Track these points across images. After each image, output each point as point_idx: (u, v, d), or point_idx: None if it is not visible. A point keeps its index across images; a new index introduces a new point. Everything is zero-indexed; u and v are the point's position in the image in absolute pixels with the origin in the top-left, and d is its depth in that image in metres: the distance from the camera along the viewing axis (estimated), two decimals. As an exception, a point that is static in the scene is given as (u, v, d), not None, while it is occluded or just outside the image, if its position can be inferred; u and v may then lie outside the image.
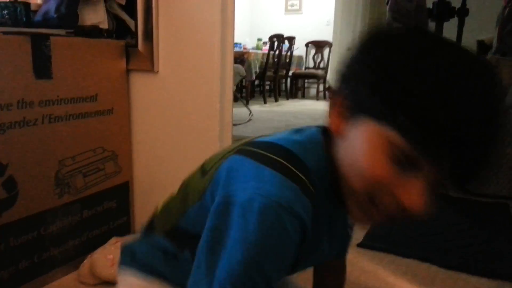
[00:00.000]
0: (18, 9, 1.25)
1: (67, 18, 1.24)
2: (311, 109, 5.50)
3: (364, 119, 0.47)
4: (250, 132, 3.61)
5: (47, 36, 1.12)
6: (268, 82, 6.41)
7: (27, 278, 1.15)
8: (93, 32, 1.28)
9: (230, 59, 1.32)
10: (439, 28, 2.73)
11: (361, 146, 0.47)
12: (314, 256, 0.61)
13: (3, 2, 1.28)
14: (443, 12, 2.77)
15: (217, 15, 1.26)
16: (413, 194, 0.44)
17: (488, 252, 1.49)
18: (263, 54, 5.84)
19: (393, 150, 0.44)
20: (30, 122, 1.10)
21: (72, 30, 1.23)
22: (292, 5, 7.53)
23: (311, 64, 7.15)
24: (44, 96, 1.13)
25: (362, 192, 0.48)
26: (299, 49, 7.11)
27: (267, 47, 5.90)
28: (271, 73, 6.01)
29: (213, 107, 1.31)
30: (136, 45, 1.36)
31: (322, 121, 0.56)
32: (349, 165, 0.49)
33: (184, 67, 1.34)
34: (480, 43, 2.88)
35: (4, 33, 1.04)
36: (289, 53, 6.46)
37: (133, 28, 1.40)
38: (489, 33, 3.00)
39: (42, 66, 1.11)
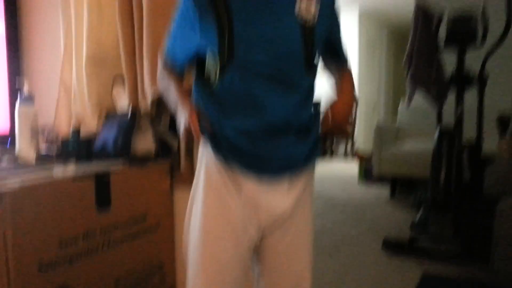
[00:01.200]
0: (82, 145, 1.47)
1: (123, 149, 1.45)
2: (340, 173, 5.58)
3: None
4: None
5: (107, 175, 1.32)
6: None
7: None
8: (145, 159, 1.48)
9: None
10: (460, 96, 2.83)
11: None
12: (260, 32, 0.85)
13: (68, 138, 1.52)
14: (462, 81, 2.88)
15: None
16: None
17: None
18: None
19: None
20: (93, 251, 1.28)
21: (127, 160, 1.43)
22: (316, 68, 7.82)
23: (338, 123, 7.30)
24: (104, 224, 1.32)
25: None
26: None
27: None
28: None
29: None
30: (178, 164, 1.56)
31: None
32: None
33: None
34: (500, 119, 2.97)
35: (73, 179, 1.25)
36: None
37: (174, 148, 1.60)
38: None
39: (103, 200, 1.31)
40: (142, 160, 1.48)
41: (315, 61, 0.94)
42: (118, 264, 1.37)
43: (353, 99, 0.99)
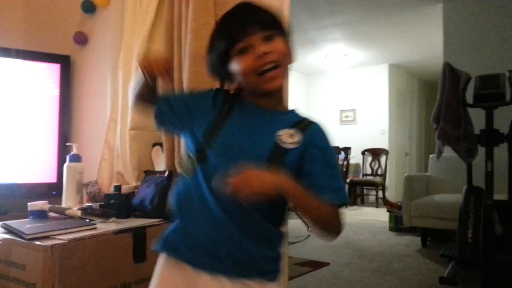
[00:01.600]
0: (122, 199, 1.62)
1: (159, 206, 1.58)
2: (371, 221, 5.55)
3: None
4: (307, 252, 3.74)
5: (144, 230, 1.45)
6: (326, 192, 6.62)
7: None
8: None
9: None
10: (489, 153, 2.84)
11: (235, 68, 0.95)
12: (224, 134, 0.94)
13: (111, 193, 1.67)
14: (491, 139, 2.89)
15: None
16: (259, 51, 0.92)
17: None
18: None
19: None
20: (129, 300, 1.39)
21: (163, 217, 1.57)
22: (346, 117, 7.95)
23: (369, 171, 7.32)
24: (139, 276, 1.43)
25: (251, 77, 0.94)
26: (355, 158, 7.37)
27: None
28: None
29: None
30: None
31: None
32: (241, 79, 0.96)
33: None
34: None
35: (115, 233, 1.38)
36: (345, 163, 6.73)
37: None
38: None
39: (139, 253, 1.43)
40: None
41: None
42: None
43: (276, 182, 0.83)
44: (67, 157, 1.83)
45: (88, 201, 1.91)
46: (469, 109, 2.91)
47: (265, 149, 0.92)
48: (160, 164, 1.80)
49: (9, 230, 1.39)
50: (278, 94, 1.00)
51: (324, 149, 0.96)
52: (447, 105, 2.84)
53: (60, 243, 1.23)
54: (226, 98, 1.02)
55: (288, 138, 0.93)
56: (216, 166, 0.90)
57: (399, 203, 4.72)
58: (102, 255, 1.33)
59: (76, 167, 1.83)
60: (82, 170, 1.85)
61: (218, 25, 1.02)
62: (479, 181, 2.81)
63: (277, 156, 0.91)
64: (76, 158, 1.84)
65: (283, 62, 0.94)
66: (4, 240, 1.33)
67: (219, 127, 0.96)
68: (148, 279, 1.45)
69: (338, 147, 6.49)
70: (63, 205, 1.79)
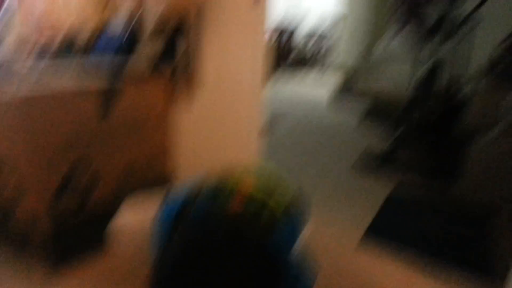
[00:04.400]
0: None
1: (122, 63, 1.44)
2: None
3: None
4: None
5: (113, 90, 1.33)
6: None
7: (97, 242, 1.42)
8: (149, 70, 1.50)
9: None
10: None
11: None
12: None
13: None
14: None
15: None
16: None
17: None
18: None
19: None
20: (100, 145, 1.34)
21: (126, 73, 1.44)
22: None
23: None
24: (107, 128, 1.36)
25: None
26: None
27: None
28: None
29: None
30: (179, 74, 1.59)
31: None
32: None
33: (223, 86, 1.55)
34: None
35: (76, 94, 1.26)
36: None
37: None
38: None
39: (106, 112, 1.34)
40: (143, 74, 1.51)
41: None
42: (125, 152, 1.47)
43: None
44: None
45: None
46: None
47: None
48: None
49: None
50: None
51: None
52: None
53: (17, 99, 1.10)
54: None
55: None
56: None
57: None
58: (65, 114, 1.22)
59: None
60: None
61: None
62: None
63: None
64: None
65: None
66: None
67: None
68: (115, 129, 1.38)
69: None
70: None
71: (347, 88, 4.75)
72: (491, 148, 2.31)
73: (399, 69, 4.22)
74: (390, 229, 1.90)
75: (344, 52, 7.24)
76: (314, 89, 5.87)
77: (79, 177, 1.29)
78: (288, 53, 6.81)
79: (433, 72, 2.69)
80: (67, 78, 1.34)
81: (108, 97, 1.34)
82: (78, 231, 1.34)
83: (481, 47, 3.04)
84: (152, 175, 1.60)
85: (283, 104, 4.57)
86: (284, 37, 6.61)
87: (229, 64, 1.53)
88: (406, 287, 1.33)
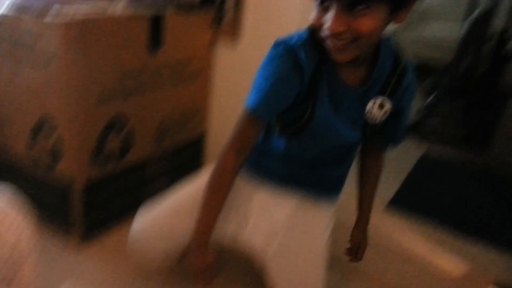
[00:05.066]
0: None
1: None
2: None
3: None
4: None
5: (161, 17, 1.35)
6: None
7: (133, 208, 1.50)
8: (192, 6, 1.50)
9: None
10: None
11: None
12: (331, 129, 0.88)
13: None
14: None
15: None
16: (328, 19, 0.70)
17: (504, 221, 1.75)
18: None
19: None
20: (144, 89, 1.37)
21: (175, 5, 1.46)
22: None
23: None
24: (154, 65, 1.38)
25: (320, 36, 0.75)
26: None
27: None
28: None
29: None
30: (221, 17, 1.57)
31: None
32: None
33: (264, 43, 1.54)
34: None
35: (129, 19, 1.27)
36: None
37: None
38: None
39: (155, 41, 1.36)
40: (189, 7, 1.50)
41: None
42: (163, 105, 1.48)
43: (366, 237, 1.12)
44: None
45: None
46: None
47: (358, 133, 0.90)
48: None
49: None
50: (361, 58, 0.81)
51: (413, 96, 0.93)
52: None
53: (77, 22, 1.12)
54: (314, 66, 0.82)
55: (378, 110, 0.87)
56: (315, 142, 0.92)
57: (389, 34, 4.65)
58: (118, 39, 1.25)
59: None
60: None
61: None
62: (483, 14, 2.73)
63: (368, 132, 0.91)
64: None
65: (361, 39, 0.71)
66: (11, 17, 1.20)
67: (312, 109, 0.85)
68: (164, 67, 1.41)
69: None
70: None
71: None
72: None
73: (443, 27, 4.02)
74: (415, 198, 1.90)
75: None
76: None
77: (116, 136, 1.34)
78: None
79: (478, 24, 2.54)
80: (121, 5, 1.38)
81: (157, 25, 1.35)
82: (113, 195, 1.41)
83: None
84: (184, 136, 1.64)
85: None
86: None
87: (271, 18, 1.50)
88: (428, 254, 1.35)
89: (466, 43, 2.38)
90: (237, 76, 1.63)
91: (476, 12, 2.53)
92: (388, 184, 1.95)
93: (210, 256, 0.89)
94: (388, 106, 0.87)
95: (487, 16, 2.50)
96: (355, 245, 1.10)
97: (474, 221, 1.76)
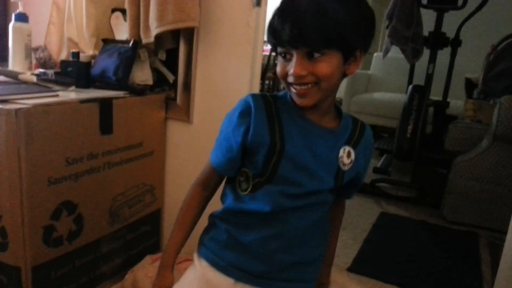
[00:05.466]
0: (81, 68, 1.51)
1: (123, 80, 1.50)
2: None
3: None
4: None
5: (111, 101, 1.39)
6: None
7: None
8: (144, 91, 1.55)
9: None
10: (433, 55, 2.98)
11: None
12: (301, 167, 0.84)
13: (68, 61, 1.55)
14: (437, 41, 3.02)
15: (247, 69, 1.53)
16: (291, 67, 0.79)
17: (453, 280, 1.81)
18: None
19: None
20: (95, 170, 1.38)
21: (127, 92, 1.50)
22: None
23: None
24: (106, 148, 1.40)
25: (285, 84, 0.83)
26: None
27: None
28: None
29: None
30: (175, 98, 1.64)
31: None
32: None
33: (215, 118, 1.61)
34: (468, 81, 3.17)
35: (80, 101, 1.31)
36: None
37: (170, 80, 1.67)
38: (478, 66, 3.30)
39: (106, 125, 1.39)
40: (141, 90, 1.55)
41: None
42: (116, 184, 1.48)
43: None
44: (13, 16, 1.63)
45: (36, 68, 1.76)
46: (421, 11, 2.96)
47: (331, 176, 0.88)
48: (121, 32, 1.66)
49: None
50: (325, 106, 0.86)
51: (371, 151, 0.98)
52: (402, 3, 2.85)
53: (25, 107, 1.15)
54: (267, 108, 0.86)
55: (346, 158, 0.89)
56: (287, 186, 0.86)
57: (339, 100, 4.91)
58: (68, 124, 1.27)
59: (23, 28, 1.64)
60: (30, 32, 1.66)
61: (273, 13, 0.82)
62: (418, 82, 2.97)
63: (339, 180, 0.90)
64: (23, 18, 1.64)
65: (321, 83, 0.79)
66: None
67: (281, 148, 0.84)
68: (115, 150, 1.44)
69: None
70: (11, 68, 1.64)
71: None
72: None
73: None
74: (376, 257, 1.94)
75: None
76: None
77: (67, 219, 1.31)
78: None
79: (415, 94, 2.75)
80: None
81: (108, 109, 1.38)
82: (65, 276, 1.36)
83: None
84: (139, 212, 1.63)
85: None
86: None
87: (220, 96, 1.58)
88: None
89: (407, 110, 2.56)
90: (191, 151, 1.67)
91: (411, 86, 2.75)
92: (349, 244, 2.05)
93: (168, 280, 0.94)
94: (352, 156, 0.90)
95: (423, 88, 2.72)
96: None
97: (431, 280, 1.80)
